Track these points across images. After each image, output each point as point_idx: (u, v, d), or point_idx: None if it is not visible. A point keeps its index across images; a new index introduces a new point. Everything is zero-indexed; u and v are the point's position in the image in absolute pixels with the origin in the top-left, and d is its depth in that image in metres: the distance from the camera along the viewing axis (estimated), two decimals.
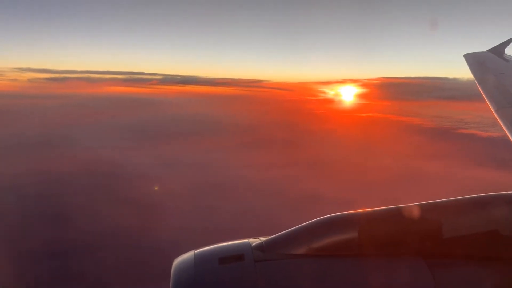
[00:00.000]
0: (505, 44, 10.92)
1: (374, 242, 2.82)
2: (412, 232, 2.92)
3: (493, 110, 6.03)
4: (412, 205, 2.98)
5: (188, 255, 2.79)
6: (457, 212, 3.05)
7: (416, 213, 2.95)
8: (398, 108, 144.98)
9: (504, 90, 7.09)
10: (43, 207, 33.99)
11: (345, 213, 2.95)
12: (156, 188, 40.05)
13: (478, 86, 7.39)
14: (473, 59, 9.85)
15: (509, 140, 5.10)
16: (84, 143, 64.60)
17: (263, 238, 2.87)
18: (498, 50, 10.64)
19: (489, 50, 10.84)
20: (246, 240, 2.88)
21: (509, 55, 10.44)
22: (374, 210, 3.00)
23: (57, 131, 77.05)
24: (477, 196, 3.11)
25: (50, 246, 26.21)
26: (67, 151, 57.40)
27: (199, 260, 2.71)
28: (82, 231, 28.61)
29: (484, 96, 6.74)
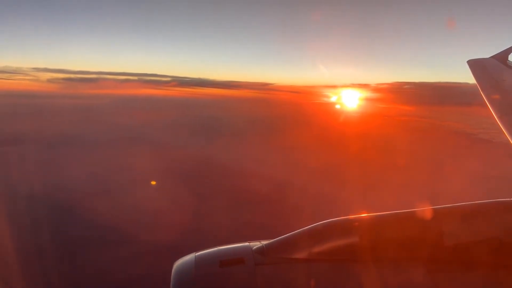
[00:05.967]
0: (509, 50, 10.58)
1: (375, 248, 2.73)
2: (413, 238, 2.82)
3: (496, 117, 5.82)
4: (413, 210, 2.88)
5: (189, 257, 2.71)
6: (459, 218, 2.95)
7: (417, 219, 2.85)
8: (429, 113, 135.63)
9: (507, 97, 6.86)
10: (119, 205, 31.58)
11: (346, 218, 2.87)
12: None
13: (481, 93, 7.17)
14: (476, 66, 9.59)
15: None
16: (144, 142, 62.56)
17: (264, 242, 2.80)
18: (502, 56, 10.32)
19: (492, 57, 10.53)
20: (247, 243, 2.81)
21: None
22: (375, 215, 2.92)
23: (116, 130, 75.48)
24: (479, 203, 2.99)
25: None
26: (134, 149, 55.56)
27: (200, 263, 2.64)
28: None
29: (487, 103, 6.53)
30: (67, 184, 37.10)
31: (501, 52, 10.57)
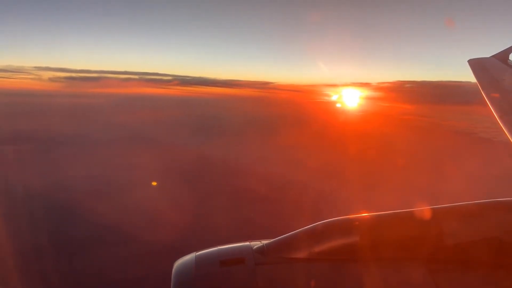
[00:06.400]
0: (509, 50, 10.52)
1: (375, 247, 2.71)
2: (413, 237, 2.80)
3: (497, 117, 5.78)
4: (413, 210, 2.86)
5: (189, 257, 2.70)
6: (458, 218, 2.92)
7: (417, 218, 2.83)
8: (430, 111, 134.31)
9: (507, 96, 6.82)
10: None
11: (346, 217, 2.85)
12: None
13: (482, 92, 7.13)
14: (477, 65, 9.54)
15: None
16: (145, 141, 62.83)
17: (265, 241, 2.78)
18: (503, 56, 10.27)
19: (493, 56, 10.48)
20: (247, 243, 2.79)
21: None
22: (375, 215, 2.90)
23: (118, 129, 75.50)
24: (479, 203, 2.96)
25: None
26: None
27: (200, 262, 2.62)
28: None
29: (488, 102, 6.49)
30: (69, 182, 37.06)
31: (501, 51, 10.51)
